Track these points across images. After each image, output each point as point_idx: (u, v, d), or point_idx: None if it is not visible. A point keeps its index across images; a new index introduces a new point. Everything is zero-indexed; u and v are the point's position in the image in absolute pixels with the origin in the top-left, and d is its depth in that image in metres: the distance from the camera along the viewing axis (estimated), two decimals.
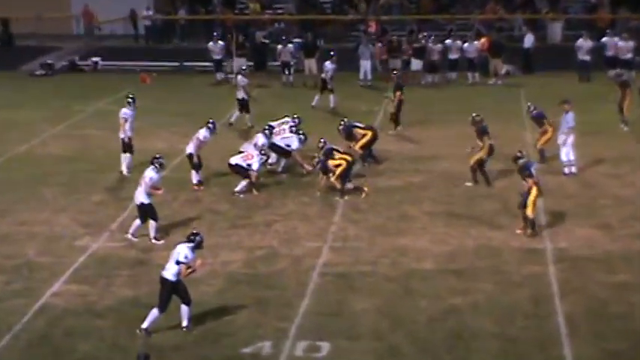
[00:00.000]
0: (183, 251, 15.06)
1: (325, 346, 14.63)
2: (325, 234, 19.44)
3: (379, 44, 37.37)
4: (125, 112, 23.51)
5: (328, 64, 31.24)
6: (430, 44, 36.17)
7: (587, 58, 35.76)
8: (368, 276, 17.30)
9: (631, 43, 35.81)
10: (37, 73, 38.60)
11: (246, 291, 16.65)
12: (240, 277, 17.32)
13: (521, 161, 19.66)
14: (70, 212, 20.95)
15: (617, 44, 35.96)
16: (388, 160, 24.62)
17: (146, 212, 18.92)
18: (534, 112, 23.93)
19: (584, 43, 36.10)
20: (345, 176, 21.53)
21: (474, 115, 23.19)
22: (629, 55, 35.30)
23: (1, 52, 42.39)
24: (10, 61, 39.98)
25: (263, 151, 22.26)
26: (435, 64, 35.90)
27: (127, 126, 23.34)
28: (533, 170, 19.46)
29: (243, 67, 31.29)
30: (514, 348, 14.52)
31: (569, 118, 23.05)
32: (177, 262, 14.97)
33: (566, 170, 23.03)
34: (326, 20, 44.95)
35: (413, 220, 20.29)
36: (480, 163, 22.30)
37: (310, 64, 35.90)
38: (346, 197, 21.43)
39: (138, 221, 19.05)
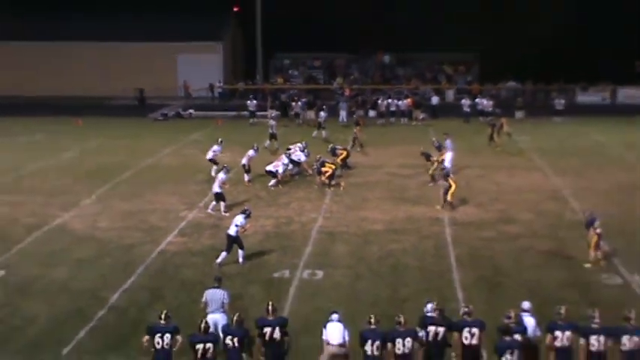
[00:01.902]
0: (239, 219, 14.99)
1: (320, 273, 14.57)
2: (320, 209, 19.31)
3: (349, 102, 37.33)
4: (216, 148, 23.42)
5: (322, 113, 31.04)
6: (380, 101, 36.12)
7: (467, 110, 35.60)
8: (344, 233, 17.22)
9: (491, 102, 36.01)
10: (158, 118, 38.25)
11: (275, 241, 16.57)
12: (271, 234, 17.22)
13: (444, 170, 19.89)
14: (176, 196, 20.83)
15: (484, 102, 36.02)
16: (356, 167, 24.43)
17: (219, 197, 18.80)
18: (436, 144, 23.54)
19: (465, 102, 36.14)
20: (331, 177, 21.44)
21: (421, 149, 22.93)
22: (491, 109, 35.26)
23: (139, 107, 42.13)
24: (143, 112, 39.69)
25: (285, 163, 22.16)
26: (382, 113, 35.60)
27: (212, 153, 23.28)
28: (450, 174, 19.58)
29: (272, 115, 31.37)
30: (426, 275, 14.48)
31: (447, 143, 23.09)
32: (236, 225, 14.90)
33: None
34: (320, 88, 44.84)
35: (370, 201, 20.19)
36: (433, 176, 21.68)
37: (311, 113, 35.59)
38: (332, 189, 21.33)
39: (214, 202, 18.94)
